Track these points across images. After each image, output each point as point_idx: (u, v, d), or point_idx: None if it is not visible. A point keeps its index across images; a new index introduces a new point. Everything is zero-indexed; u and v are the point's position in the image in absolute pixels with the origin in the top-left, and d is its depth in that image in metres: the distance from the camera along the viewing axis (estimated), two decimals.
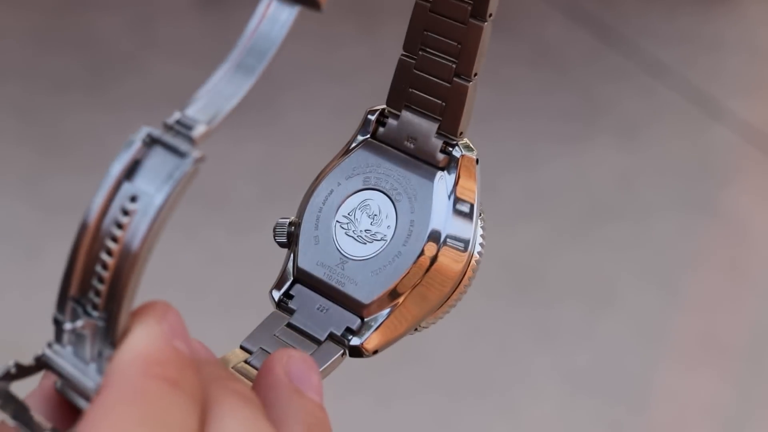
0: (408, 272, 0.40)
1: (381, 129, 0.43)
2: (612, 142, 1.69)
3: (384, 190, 0.42)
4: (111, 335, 0.30)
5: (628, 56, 1.85)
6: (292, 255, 0.42)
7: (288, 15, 0.32)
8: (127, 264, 0.30)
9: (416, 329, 0.42)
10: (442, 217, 0.41)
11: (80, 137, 1.63)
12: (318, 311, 0.41)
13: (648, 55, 1.85)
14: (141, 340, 0.30)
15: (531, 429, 1.33)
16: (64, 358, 0.31)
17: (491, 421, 1.32)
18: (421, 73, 0.42)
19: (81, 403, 0.31)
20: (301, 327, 0.40)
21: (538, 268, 1.47)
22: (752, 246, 1.56)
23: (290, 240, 0.42)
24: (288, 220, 0.43)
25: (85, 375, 0.31)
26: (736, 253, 1.54)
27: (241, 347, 0.40)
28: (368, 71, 1.76)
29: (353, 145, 0.43)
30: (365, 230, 0.41)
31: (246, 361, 0.39)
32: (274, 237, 0.43)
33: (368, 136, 0.43)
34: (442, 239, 0.40)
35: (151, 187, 0.30)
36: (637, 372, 1.38)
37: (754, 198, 1.63)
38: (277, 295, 0.42)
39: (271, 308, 0.43)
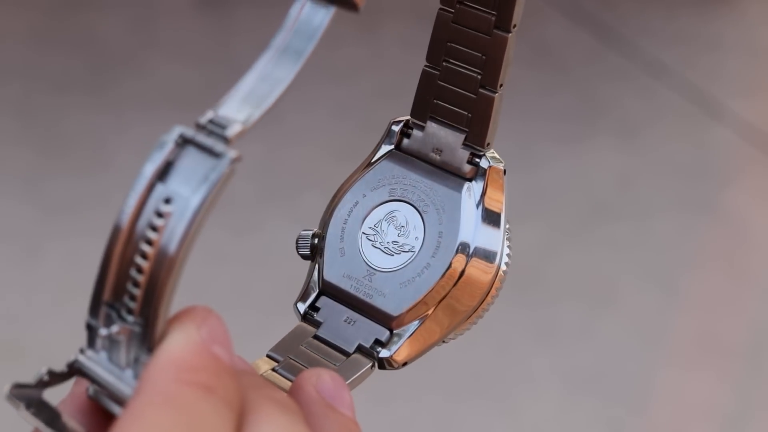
0: (437, 284, 0.40)
1: (405, 140, 0.42)
2: (612, 143, 1.69)
3: (411, 202, 0.41)
4: (148, 341, 0.29)
5: (628, 56, 1.85)
6: (316, 267, 0.42)
7: (323, 16, 0.31)
8: (165, 268, 0.29)
9: (443, 341, 0.41)
10: (470, 229, 0.40)
11: (80, 138, 1.63)
12: (345, 323, 0.40)
13: (648, 56, 1.85)
14: (176, 346, 0.29)
15: (531, 429, 1.33)
16: (98, 364, 0.31)
17: (491, 422, 1.32)
18: (446, 85, 0.41)
19: (115, 409, 0.31)
20: (329, 339, 0.40)
21: (538, 268, 1.47)
22: (752, 246, 1.56)
23: (313, 252, 0.42)
24: (311, 232, 0.42)
25: (122, 381, 0.30)
26: (736, 253, 1.54)
27: (268, 356, 0.39)
28: (368, 71, 1.76)
29: (377, 156, 0.43)
30: (392, 242, 0.41)
31: (273, 369, 0.39)
32: (297, 249, 0.42)
33: (392, 147, 0.43)
34: (471, 251, 0.40)
35: (187, 189, 0.29)
36: (637, 372, 1.38)
37: (754, 198, 1.63)
38: (302, 307, 0.41)
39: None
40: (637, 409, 1.34)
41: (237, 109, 0.30)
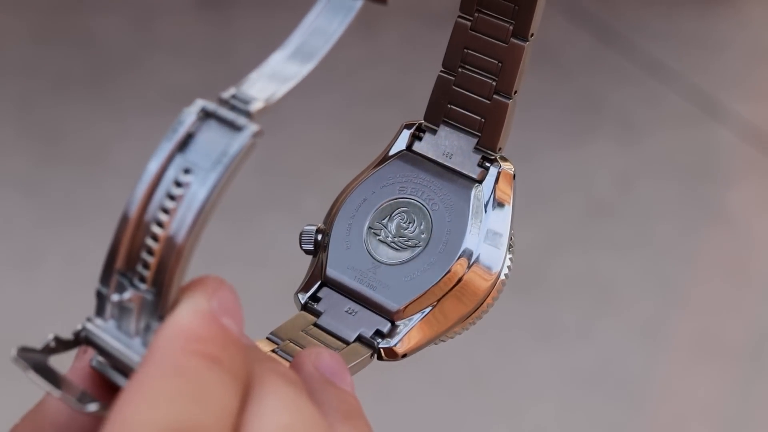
0: (442, 280, 0.40)
1: (417, 142, 0.43)
2: (612, 142, 1.69)
3: (420, 200, 0.42)
4: (160, 308, 0.30)
5: (628, 56, 1.85)
6: (319, 260, 0.42)
7: (350, 7, 0.31)
8: (182, 237, 0.29)
9: (442, 339, 0.42)
10: (476, 233, 0.41)
11: (80, 137, 1.63)
12: (347, 313, 0.41)
13: (648, 56, 1.85)
14: (185, 315, 0.29)
15: (531, 429, 1.33)
16: (106, 332, 0.31)
17: (491, 421, 1.32)
18: (461, 90, 0.42)
19: (120, 380, 0.31)
20: (329, 328, 0.41)
21: (538, 268, 1.47)
22: (752, 246, 1.56)
23: (317, 247, 0.42)
24: (315, 228, 0.42)
25: (130, 349, 0.30)
26: (736, 254, 1.54)
27: (268, 338, 0.40)
28: (368, 71, 1.76)
29: (388, 156, 0.43)
30: (399, 236, 0.42)
31: (273, 351, 0.39)
32: (301, 244, 0.42)
33: (403, 148, 0.43)
34: (473, 259, 0.41)
35: (207, 161, 0.29)
36: (637, 372, 1.38)
37: (754, 198, 1.63)
38: (303, 297, 0.42)
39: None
40: (637, 409, 1.34)
41: (261, 89, 0.31)
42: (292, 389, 0.30)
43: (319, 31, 0.32)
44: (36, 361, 0.31)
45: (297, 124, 1.65)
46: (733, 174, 1.69)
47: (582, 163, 1.66)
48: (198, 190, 0.29)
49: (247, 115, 0.30)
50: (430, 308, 0.40)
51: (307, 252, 0.42)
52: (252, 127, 0.29)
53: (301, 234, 0.42)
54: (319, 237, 0.42)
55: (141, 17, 1.85)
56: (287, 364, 0.38)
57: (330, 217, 0.43)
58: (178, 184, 0.29)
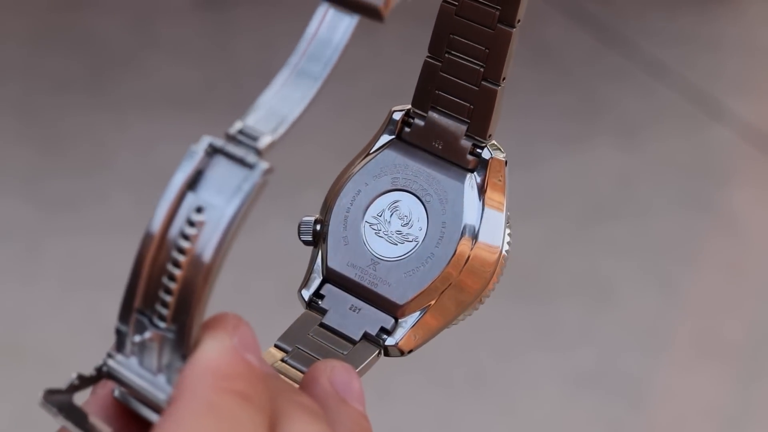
0: (442, 273, 0.40)
1: (407, 129, 0.43)
2: (612, 142, 1.69)
3: (413, 192, 0.42)
4: (183, 347, 0.30)
5: (628, 56, 1.85)
6: (319, 255, 0.42)
7: (348, 24, 0.32)
8: (199, 277, 0.29)
9: (447, 326, 0.42)
10: (474, 215, 0.41)
11: (80, 137, 1.63)
12: (350, 311, 0.41)
13: (648, 55, 1.85)
14: (212, 353, 0.30)
15: (531, 429, 1.33)
16: (129, 369, 0.31)
17: (491, 421, 1.32)
18: (448, 76, 0.42)
19: (145, 412, 0.31)
20: (335, 327, 0.41)
21: (538, 267, 1.47)
22: (752, 246, 1.56)
23: (316, 238, 0.42)
24: (313, 218, 0.42)
25: (155, 386, 0.30)
26: (735, 253, 1.54)
27: (276, 346, 0.40)
28: (368, 71, 1.76)
29: (378, 145, 0.43)
30: (396, 231, 0.42)
31: (283, 360, 0.39)
32: (300, 236, 0.42)
33: (393, 136, 0.43)
34: (476, 233, 0.41)
35: (220, 199, 0.29)
36: (637, 372, 1.38)
37: (753, 198, 1.63)
38: (306, 294, 0.42)
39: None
40: (637, 408, 1.34)
41: (266, 119, 0.31)
42: (318, 425, 0.31)
43: (287, 98, 0.31)
44: (62, 402, 0.31)
45: (296, 125, 1.65)
46: (733, 174, 1.69)
47: (582, 163, 1.66)
48: (212, 234, 0.29)
49: (256, 152, 0.30)
50: (434, 301, 0.40)
51: (306, 243, 0.42)
52: (263, 165, 0.29)
53: (299, 225, 0.42)
54: (318, 227, 0.42)
55: (141, 17, 1.85)
56: (298, 374, 0.38)
57: (326, 209, 0.43)
58: (191, 223, 0.29)
